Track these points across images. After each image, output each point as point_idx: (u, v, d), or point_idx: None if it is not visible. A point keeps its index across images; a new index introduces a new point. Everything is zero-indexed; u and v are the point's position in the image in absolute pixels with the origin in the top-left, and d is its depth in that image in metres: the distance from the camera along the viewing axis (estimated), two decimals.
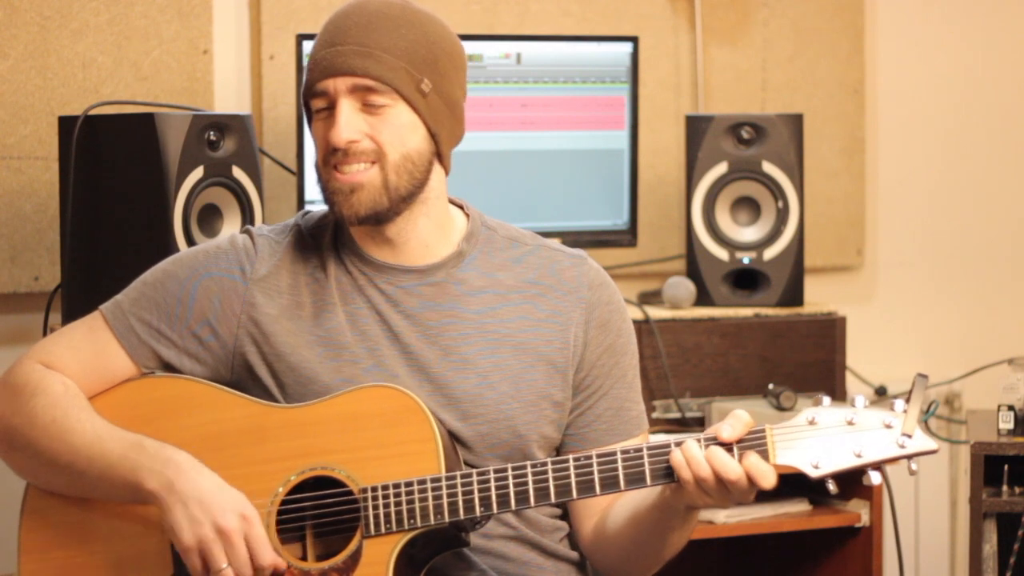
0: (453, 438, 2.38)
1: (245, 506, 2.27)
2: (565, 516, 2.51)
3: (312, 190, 3.40)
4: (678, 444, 2.25)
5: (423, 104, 2.37)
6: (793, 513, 3.48)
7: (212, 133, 3.02)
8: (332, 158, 2.36)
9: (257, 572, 2.27)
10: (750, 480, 2.21)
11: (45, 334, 3.17)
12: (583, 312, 2.46)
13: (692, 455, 2.23)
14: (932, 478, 4.17)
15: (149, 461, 2.30)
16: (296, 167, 3.41)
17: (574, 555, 2.49)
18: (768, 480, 2.21)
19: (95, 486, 2.35)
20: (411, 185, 2.38)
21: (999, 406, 3.26)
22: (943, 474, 4.22)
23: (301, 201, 3.40)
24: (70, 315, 3.00)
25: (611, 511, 2.43)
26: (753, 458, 2.22)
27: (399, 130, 2.36)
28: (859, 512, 3.48)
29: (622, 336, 2.49)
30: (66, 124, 3.07)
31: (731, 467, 2.21)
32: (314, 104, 2.38)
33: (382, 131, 2.35)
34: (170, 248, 2.92)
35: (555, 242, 2.53)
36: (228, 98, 3.61)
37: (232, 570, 2.26)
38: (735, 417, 2.25)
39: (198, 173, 2.99)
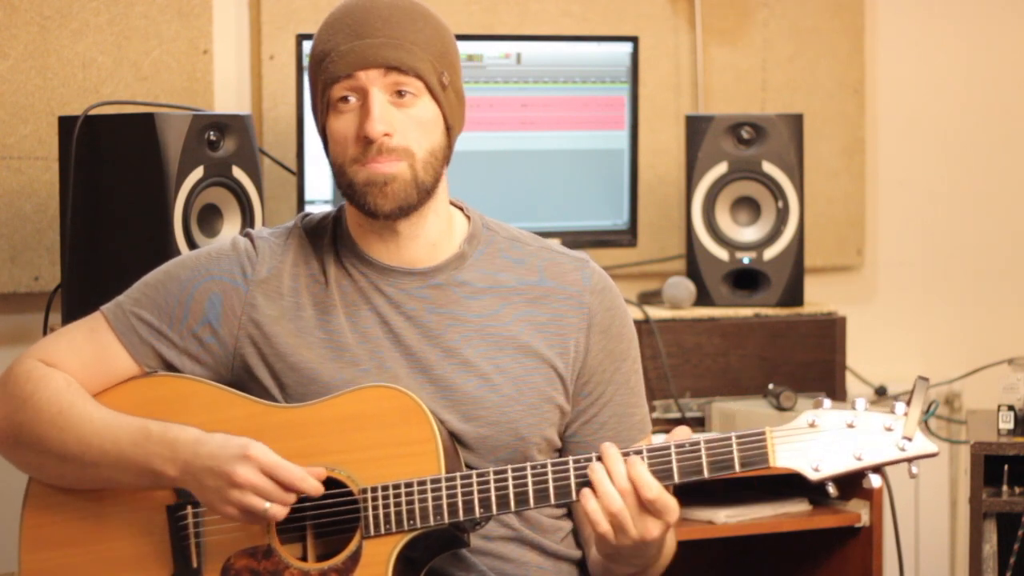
0: (455, 439, 2.38)
1: (244, 447, 2.26)
2: (568, 515, 2.51)
3: (312, 190, 3.40)
4: (680, 447, 2.25)
5: (443, 97, 2.38)
6: (793, 513, 3.48)
7: (212, 133, 3.02)
8: (362, 154, 2.34)
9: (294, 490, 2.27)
10: (636, 491, 2.21)
11: (45, 334, 3.17)
12: (584, 317, 2.46)
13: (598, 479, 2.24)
14: (932, 478, 4.18)
15: (158, 447, 2.31)
16: (296, 167, 3.41)
17: (575, 554, 2.49)
18: (651, 490, 2.21)
19: (109, 476, 2.36)
20: (434, 180, 2.38)
21: (999, 406, 3.26)
22: (943, 474, 4.22)
23: (301, 201, 3.40)
24: (70, 315, 3.00)
25: None
26: (638, 465, 2.22)
27: (425, 125, 2.36)
28: (859, 512, 3.48)
29: (623, 341, 2.49)
30: (66, 124, 3.06)
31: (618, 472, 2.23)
32: (335, 95, 2.34)
33: (410, 127, 2.35)
34: (170, 248, 2.92)
35: (557, 244, 2.53)
36: (228, 98, 3.61)
37: (275, 505, 2.26)
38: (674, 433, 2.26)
39: (198, 173, 2.99)
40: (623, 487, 2.22)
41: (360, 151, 2.34)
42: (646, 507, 2.22)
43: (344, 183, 2.37)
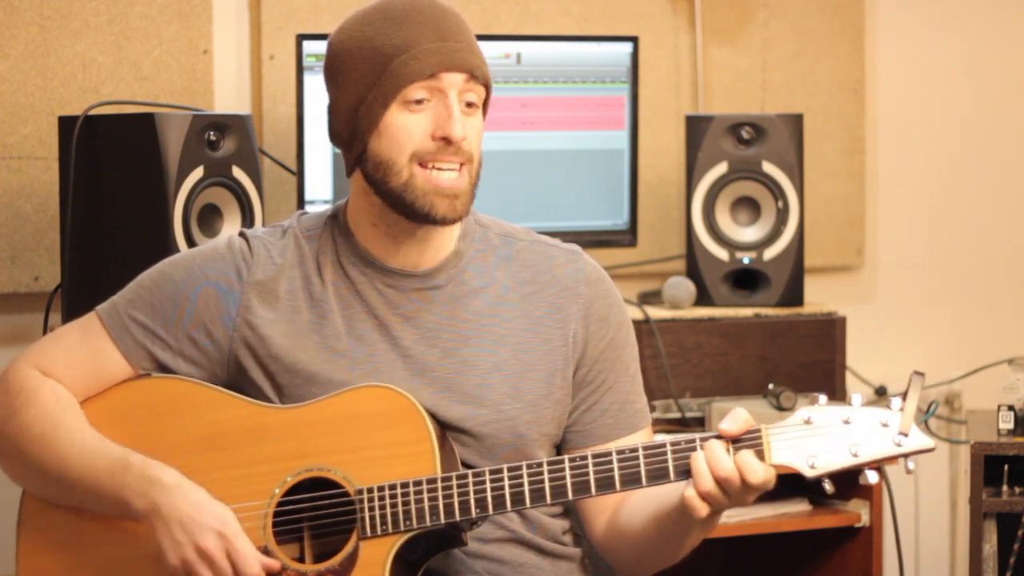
0: (453, 439, 2.38)
1: (225, 523, 2.27)
2: (566, 513, 2.51)
3: (312, 190, 3.40)
4: (676, 445, 2.24)
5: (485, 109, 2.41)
6: (793, 513, 3.48)
7: (212, 133, 3.02)
8: (433, 153, 2.34)
9: None
10: (742, 477, 2.20)
11: (45, 334, 3.17)
12: (581, 308, 2.45)
13: (698, 466, 2.22)
14: (932, 478, 4.18)
15: (135, 482, 2.30)
16: (296, 167, 3.41)
17: (574, 551, 2.49)
18: (756, 475, 2.19)
19: (84, 500, 2.36)
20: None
21: (999, 406, 3.26)
22: (943, 474, 4.22)
23: (301, 201, 3.40)
24: (70, 315, 3.00)
25: (625, 508, 2.42)
26: (745, 454, 2.21)
27: (480, 136, 2.39)
28: (859, 512, 3.48)
29: (622, 330, 2.49)
30: (66, 124, 3.07)
31: (724, 463, 2.21)
32: (411, 93, 2.32)
33: (474, 135, 2.37)
34: (170, 248, 2.92)
35: (548, 237, 2.53)
36: (228, 98, 3.61)
37: None
38: (735, 414, 2.24)
39: (198, 173, 2.99)
40: (729, 476, 2.20)
41: (433, 149, 2.33)
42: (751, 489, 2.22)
43: (396, 180, 2.34)
